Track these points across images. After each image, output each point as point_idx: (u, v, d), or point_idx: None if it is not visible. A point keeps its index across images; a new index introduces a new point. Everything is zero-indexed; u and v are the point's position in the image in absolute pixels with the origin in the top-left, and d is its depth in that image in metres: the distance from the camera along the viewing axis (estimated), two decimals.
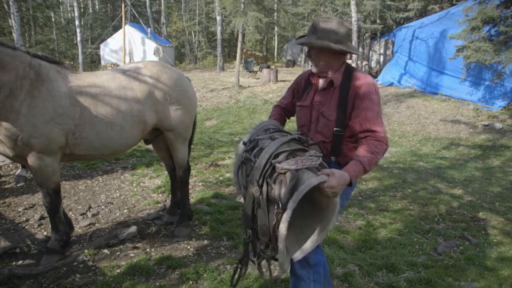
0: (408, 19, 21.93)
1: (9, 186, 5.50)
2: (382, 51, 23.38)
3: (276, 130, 2.36)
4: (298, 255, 2.07)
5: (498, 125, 11.81)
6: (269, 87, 19.20)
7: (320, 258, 2.38)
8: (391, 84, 18.15)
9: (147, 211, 4.79)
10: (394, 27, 22.03)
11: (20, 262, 3.51)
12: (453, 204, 5.67)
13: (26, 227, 4.28)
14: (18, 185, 5.54)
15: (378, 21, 22.75)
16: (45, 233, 4.12)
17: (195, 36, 37.10)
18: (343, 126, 2.32)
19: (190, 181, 4.88)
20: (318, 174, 1.92)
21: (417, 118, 13.28)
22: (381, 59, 23.36)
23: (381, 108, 2.29)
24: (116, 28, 27.58)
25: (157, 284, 3.18)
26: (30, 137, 3.06)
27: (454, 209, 5.46)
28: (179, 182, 4.27)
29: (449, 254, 4.02)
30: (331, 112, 2.34)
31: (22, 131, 3.02)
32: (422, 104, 14.47)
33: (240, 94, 18.04)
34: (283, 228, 1.85)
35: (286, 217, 1.84)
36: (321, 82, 2.45)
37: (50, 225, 3.63)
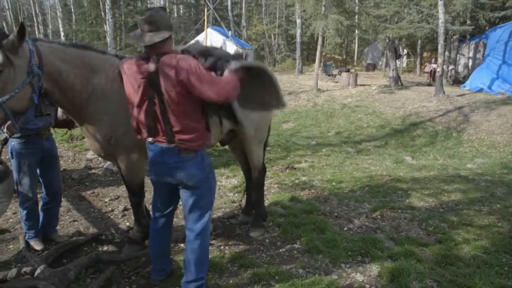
0: (505, 18, 19.89)
1: (98, 177, 5.96)
2: (471, 54, 21.81)
3: None
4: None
5: None
6: (348, 91, 18.75)
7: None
8: (481, 90, 16.87)
9: (223, 209, 4.91)
10: (487, 28, 20.33)
11: (105, 248, 3.79)
12: None
13: (111, 216, 4.61)
14: (106, 177, 5.98)
15: (468, 21, 21.21)
16: (127, 223, 4.39)
17: (274, 39, 37.49)
18: None
19: (265, 182, 4.93)
20: None
21: (510, 127, 12.19)
22: (470, 63, 21.81)
23: None
24: (199, 31, 28.65)
25: (230, 281, 3.23)
26: (122, 137, 3.21)
27: None
28: (254, 184, 4.30)
29: None
30: None
31: (115, 131, 3.18)
32: None
33: (318, 98, 17.84)
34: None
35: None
36: None
37: (133, 217, 3.87)
